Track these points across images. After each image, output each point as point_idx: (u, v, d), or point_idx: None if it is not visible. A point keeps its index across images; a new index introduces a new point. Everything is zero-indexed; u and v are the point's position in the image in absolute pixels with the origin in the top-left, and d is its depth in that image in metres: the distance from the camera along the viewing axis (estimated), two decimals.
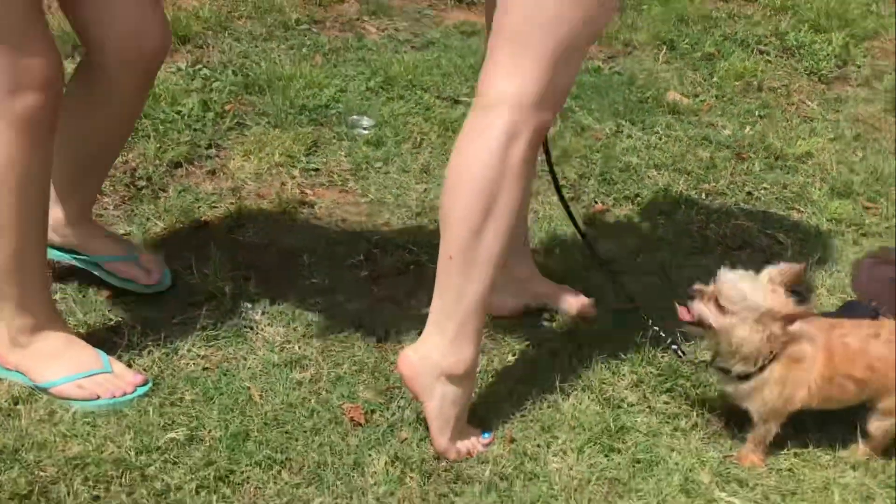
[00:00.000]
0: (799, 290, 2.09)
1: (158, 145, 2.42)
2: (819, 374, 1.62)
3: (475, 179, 1.50)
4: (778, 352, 1.63)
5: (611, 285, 2.07)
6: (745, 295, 1.58)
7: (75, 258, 1.90)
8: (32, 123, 1.49)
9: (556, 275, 2.18)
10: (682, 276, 2.25)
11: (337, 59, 3.12)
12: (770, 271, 1.64)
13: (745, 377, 1.66)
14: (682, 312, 1.66)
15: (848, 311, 2.16)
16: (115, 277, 1.91)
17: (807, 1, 3.84)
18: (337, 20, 3.48)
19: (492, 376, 1.84)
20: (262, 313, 1.92)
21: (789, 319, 1.59)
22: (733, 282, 1.61)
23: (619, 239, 2.38)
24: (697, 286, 1.65)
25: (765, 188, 2.68)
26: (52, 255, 1.85)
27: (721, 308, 1.60)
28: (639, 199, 2.55)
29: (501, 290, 1.97)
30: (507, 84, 1.49)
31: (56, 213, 1.80)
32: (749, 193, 2.65)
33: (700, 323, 1.63)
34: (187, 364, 1.77)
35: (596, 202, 2.53)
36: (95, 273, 1.91)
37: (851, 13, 3.72)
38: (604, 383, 1.84)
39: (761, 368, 1.64)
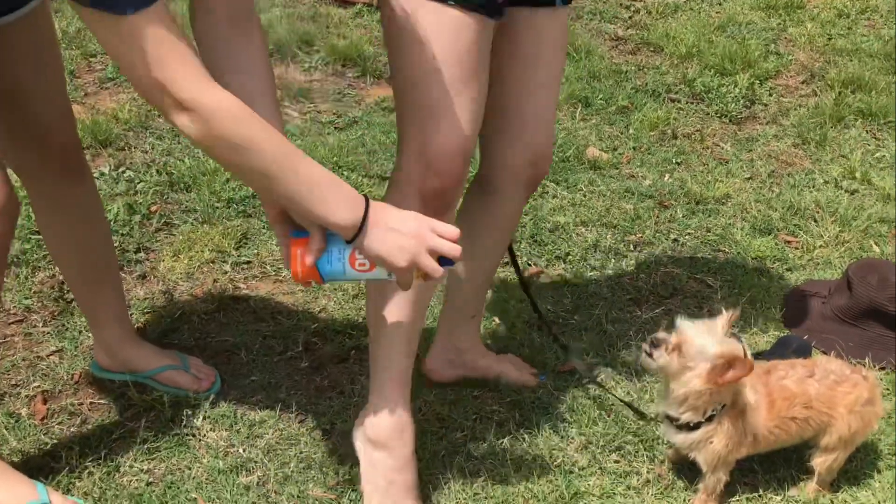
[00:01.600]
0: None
1: None
2: (764, 419, 1.66)
3: None
4: (727, 402, 1.65)
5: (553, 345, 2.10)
6: (705, 348, 1.59)
7: (128, 377, 1.96)
8: None
9: (500, 339, 2.20)
10: (621, 329, 2.30)
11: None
12: (724, 318, 1.64)
13: (693, 427, 1.68)
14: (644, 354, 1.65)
15: (782, 346, 2.22)
16: (166, 387, 1.94)
17: (710, 47, 4.00)
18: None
19: (441, 456, 1.83)
20: (204, 418, 1.89)
21: (727, 364, 1.60)
22: (694, 335, 1.60)
23: (555, 299, 2.41)
24: (661, 335, 1.63)
25: (689, 233, 2.76)
26: (108, 377, 1.97)
27: (682, 360, 1.60)
28: (569, 257, 2.59)
29: (440, 357, 1.99)
30: None
31: (101, 340, 1.94)
32: (675, 240, 2.72)
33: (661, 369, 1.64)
34: (130, 481, 1.72)
35: (529, 265, 2.57)
36: (151, 385, 1.96)
37: (752, 55, 3.89)
38: (553, 449, 1.85)
39: (710, 419, 1.66)
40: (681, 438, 1.71)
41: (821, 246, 2.70)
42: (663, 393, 1.70)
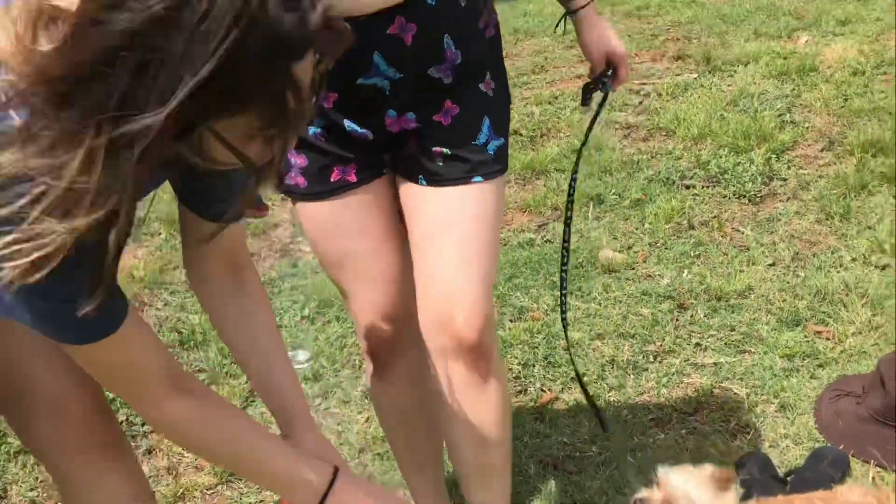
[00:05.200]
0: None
1: None
2: None
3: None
4: None
5: None
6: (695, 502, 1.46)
7: None
8: None
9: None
10: (644, 459, 2.17)
11: (272, 292, 3.13)
12: (710, 469, 1.52)
13: None
14: None
15: (816, 460, 2.06)
16: None
17: (722, 125, 3.91)
18: (272, 248, 3.53)
19: None
20: None
21: None
22: (681, 489, 1.47)
23: (571, 429, 2.29)
24: (643, 494, 1.51)
25: (712, 335, 2.62)
26: None
27: None
28: (585, 377, 2.48)
29: None
30: None
31: None
32: (697, 345, 2.59)
33: None
34: None
35: (543, 391, 2.46)
36: None
37: (767, 128, 3.79)
38: None
39: None
40: None
41: (853, 333, 2.54)
42: None
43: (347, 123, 1.46)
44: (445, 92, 1.46)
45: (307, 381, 2.56)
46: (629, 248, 3.18)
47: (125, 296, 1.07)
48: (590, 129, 1.82)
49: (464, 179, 1.50)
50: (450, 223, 1.50)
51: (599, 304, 2.83)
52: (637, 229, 3.29)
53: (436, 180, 1.50)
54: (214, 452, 1.25)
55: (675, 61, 4.92)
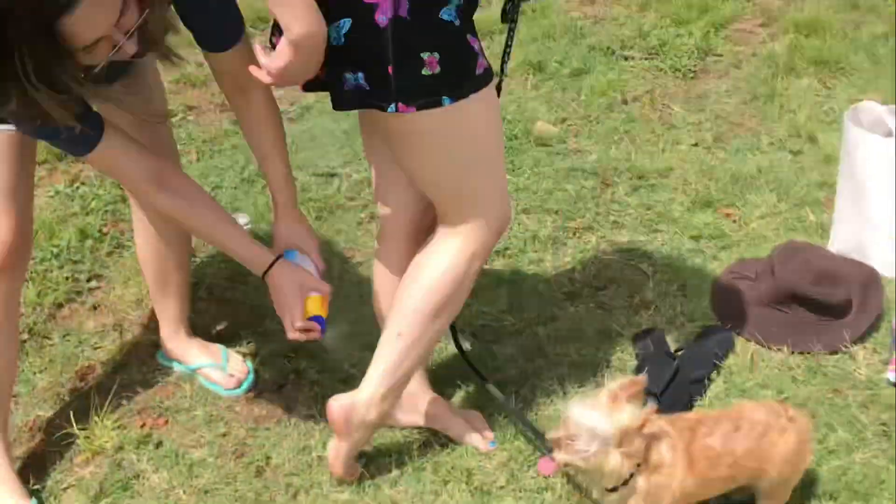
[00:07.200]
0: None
1: (39, 289, 2.50)
2: (682, 479, 1.66)
3: (440, 280, 1.80)
4: (641, 462, 1.65)
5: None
6: (596, 432, 1.59)
7: (178, 365, 2.28)
8: None
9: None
10: (552, 330, 2.37)
11: (212, 150, 3.20)
12: (610, 388, 1.64)
13: (612, 489, 1.68)
14: (544, 467, 1.74)
15: (704, 338, 2.30)
16: (206, 382, 2.23)
17: None
18: (212, 101, 3.54)
19: (368, 483, 1.95)
20: (148, 460, 2.02)
21: (640, 428, 1.61)
22: (581, 423, 1.61)
23: (490, 300, 2.48)
24: (553, 435, 1.66)
25: (629, 214, 2.80)
26: (168, 364, 2.30)
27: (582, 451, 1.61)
28: (508, 251, 2.66)
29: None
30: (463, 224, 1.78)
31: (161, 332, 2.28)
32: (615, 222, 2.77)
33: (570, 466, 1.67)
34: None
35: None
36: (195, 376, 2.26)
37: None
38: (473, 471, 1.96)
39: (626, 481, 1.66)
40: (600, 497, 1.73)
41: (758, 217, 2.74)
42: (584, 475, 1.74)
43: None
44: None
45: None
46: (563, 120, 3.28)
47: (101, 124, 1.63)
48: None
49: None
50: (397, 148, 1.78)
51: (528, 179, 2.97)
52: (573, 101, 3.39)
53: None
54: (192, 231, 2.05)
55: None
